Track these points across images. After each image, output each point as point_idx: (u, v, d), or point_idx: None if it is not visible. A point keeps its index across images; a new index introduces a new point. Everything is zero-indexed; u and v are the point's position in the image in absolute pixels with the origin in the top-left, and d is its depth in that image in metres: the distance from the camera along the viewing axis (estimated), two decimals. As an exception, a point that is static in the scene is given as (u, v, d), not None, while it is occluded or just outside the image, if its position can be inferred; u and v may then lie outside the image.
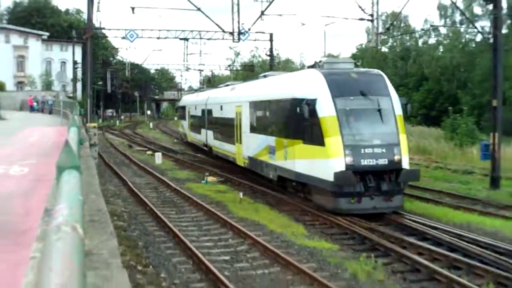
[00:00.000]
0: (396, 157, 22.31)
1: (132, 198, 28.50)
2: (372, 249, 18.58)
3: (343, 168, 21.52)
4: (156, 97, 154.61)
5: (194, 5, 42.96)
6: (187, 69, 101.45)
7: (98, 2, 39.69)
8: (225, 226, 22.10)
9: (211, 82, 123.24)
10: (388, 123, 23.14)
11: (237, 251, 18.68)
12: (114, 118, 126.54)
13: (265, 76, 36.78)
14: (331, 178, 21.45)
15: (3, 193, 12.57)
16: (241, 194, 28.81)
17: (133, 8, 46.12)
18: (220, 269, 16.04)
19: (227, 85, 47.83)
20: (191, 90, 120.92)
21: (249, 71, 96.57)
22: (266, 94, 30.99)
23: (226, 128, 39.29)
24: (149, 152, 52.99)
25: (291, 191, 27.64)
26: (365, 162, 21.81)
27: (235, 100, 37.07)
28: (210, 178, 35.11)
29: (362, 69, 27.71)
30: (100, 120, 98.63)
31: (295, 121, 24.87)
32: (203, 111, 49.18)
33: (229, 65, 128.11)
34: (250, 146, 32.74)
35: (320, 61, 26.95)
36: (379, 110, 23.14)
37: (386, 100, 23.58)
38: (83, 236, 2.78)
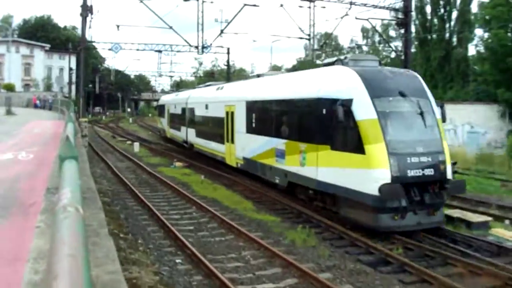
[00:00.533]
0: (442, 167, 16.47)
1: (115, 179, 28.32)
2: (307, 221, 18.62)
3: (388, 180, 15.45)
4: (135, 97, 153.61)
5: (167, 24, 42.80)
6: (160, 75, 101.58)
7: (90, 21, 39.22)
8: (189, 202, 22.07)
9: (179, 86, 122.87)
10: (431, 128, 17.03)
11: (199, 222, 18.71)
12: (101, 114, 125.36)
13: (258, 76, 29.97)
14: (373, 191, 15.41)
15: (13, 175, 12.53)
16: (202, 176, 28.88)
17: (118, 26, 46.13)
18: (186, 236, 16.08)
19: (208, 85, 41.70)
20: (164, 92, 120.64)
21: (210, 77, 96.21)
22: (272, 93, 23.77)
23: (213, 127, 32.45)
24: (129, 142, 52.52)
25: (303, 198, 20.94)
26: (411, 173, 15.77)
27: (225, 99, 30.16)
28: (178, 163, 34.96)
29: (393, 68, 21.02)
30: (90, 116, 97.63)
31: (319, 124, 18.24)
32: (183, 109, 42.68)
33: (194, 73, 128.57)
34: (247, 147, 25.82)
35: (345, 57, 19.70)
36: (421, 114, 16.88)
37: (426, 102, 17.40)
38: (83, 214, 2.85)
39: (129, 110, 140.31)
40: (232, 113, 28.18)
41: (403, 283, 12.64)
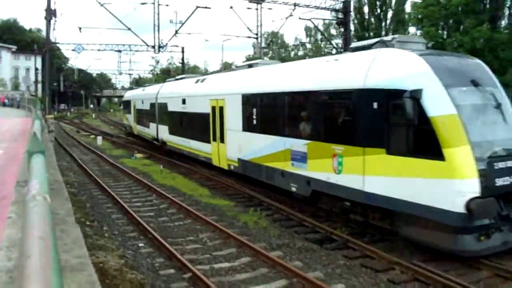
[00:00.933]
0: None
1: (80, 171, 28.01)
2: (258, 205, 18.85)
3: (477, 193, 11.00)
4: (97, 94, 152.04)
5: (126, 26, 42.36)
6: (120, 73, 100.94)
7: (54, 24, 38.61)
8: (150, 190, 22.03)
9: (138, 82, 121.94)
10: (511, 124, 12.70)
11: (159, 208, 18.71)
12: (66, 111, 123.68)
13: (250, 66, 23.96)
14: (458, 208, 10.99)
15: (-17, 170, 12.36)
16: (161, 166, 28.87)
17: (80, 28, 45.79)
18: (147, 222, 16.09)
19: (180, 79, 35.96)
20: (124, 89, 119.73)
21: (166, 75, 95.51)
22: (284, 85, 18.12)
23: (194, 124, 27.35)
24: (92, 136, 51.98)
25: (334, 210, 16.03)
26: (499, 181, 11.39)
27: (210, 93, 24.91)
28: (138, 155, 34.75)
29: (452, 53, 14.73)
30: (56, 113, 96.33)
31: (366, 121, 13.39)
32: (152, 105, 37.43)
33: (151, 70, 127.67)
34: (244, 147, 20.86)
35: (393, 39, 14.64)
36: (498, 107, 12.60)
37: (500, 93, 13.11)
38: (50, 203, 2.93)
39: (92, 106, 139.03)
40: (221, 108, 23.25)
41: (347, 258, 12.85)
